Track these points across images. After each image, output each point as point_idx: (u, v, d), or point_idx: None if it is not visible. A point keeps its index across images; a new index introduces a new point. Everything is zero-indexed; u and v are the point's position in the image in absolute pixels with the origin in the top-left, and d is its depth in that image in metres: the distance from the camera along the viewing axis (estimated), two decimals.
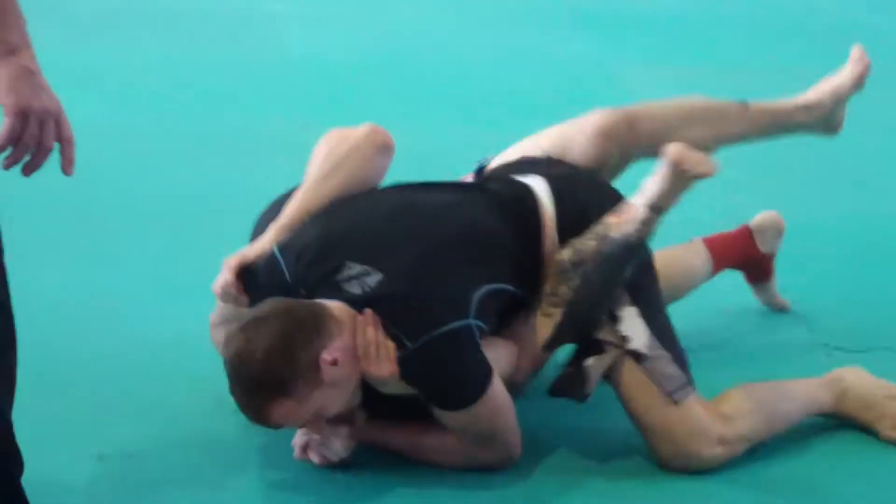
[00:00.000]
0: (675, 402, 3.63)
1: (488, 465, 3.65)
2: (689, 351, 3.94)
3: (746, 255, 4.57)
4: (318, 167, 3.79)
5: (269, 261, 3.61)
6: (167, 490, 3.61)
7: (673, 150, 3.58)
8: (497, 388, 3.53)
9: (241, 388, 3.38)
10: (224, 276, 3.66)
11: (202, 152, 6.01)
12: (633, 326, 3.69)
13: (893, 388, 3.95)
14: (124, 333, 4.38)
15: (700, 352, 4.15)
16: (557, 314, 3.73)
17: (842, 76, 4.20)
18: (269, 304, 3.41)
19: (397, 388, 3.47)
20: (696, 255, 4.41)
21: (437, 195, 3.82)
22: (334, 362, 3.33)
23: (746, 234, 4.50)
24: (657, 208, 3.61)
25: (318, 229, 3.64)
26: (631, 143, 4.00)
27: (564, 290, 3.74)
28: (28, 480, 2.99)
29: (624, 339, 3.67)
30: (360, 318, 3.40)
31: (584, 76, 7.13)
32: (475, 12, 8.39)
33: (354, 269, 3.53)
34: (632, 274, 3.73)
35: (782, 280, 4.62)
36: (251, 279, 3.64)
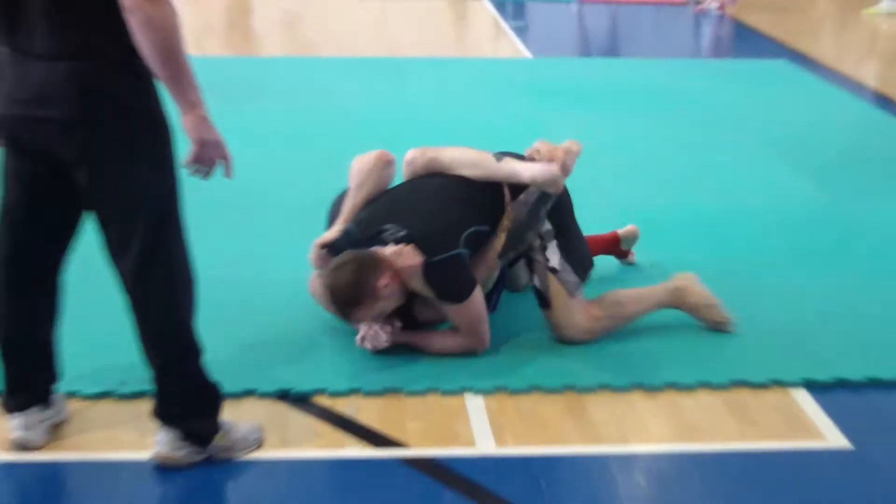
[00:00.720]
0: (573, 296, 4.94)
1: (471, 350, 4.89)
2: (600, 280, 5.28)
3: (611, 251, 5.77)
4: (354, 180, 5.03)
5: (343, 234, 4.88)
6: (286, 364, 4.76)
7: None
8: (478, 295, 4.79)
9: (334, 305, 4.72)
10: (313, 250, 5.02)
11: (301, 172, 7.31)
12: (553, 254, 4.99)
13: (712, 298, 5.17)
14: (260, 278, 5.59)
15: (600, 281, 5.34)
16: (504, 236, 4.92)
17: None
18: (345, 255, 4.71)
19: (420, 287, 4.72)
20: None
21: (433, 180, 5.01)
22: (386, 285, 4.65)
23: (615, 238, 5.74)
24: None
25: (367, 212, 4.93)
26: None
27: (509, 223, 4.93)
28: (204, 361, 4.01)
29: (548, 259, 4.98)
30: (397, 246, 4.66)
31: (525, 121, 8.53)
32: (458, 86, 9.98)
33: (391, 228, 4.78)
34: (557, 218, 4.96)
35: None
36: (331, 250, 4.90)
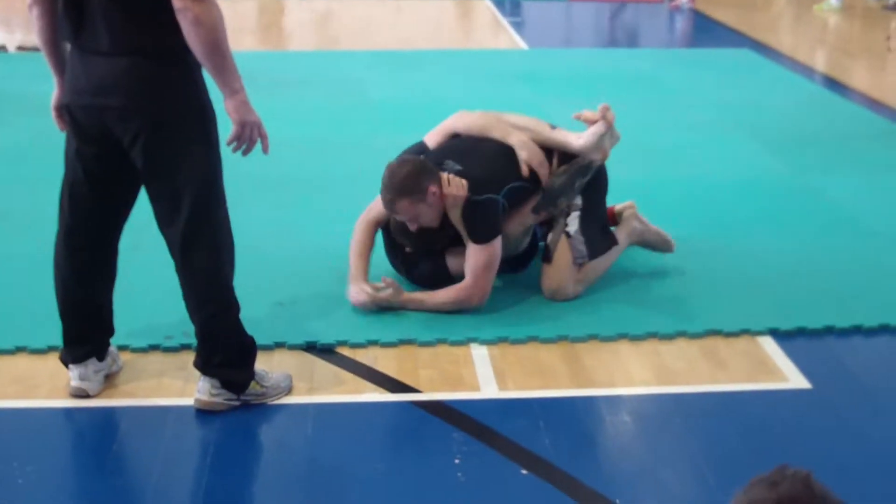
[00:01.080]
0: (574, 262, 4.93)
1: (465, 304, 4.82)
2: None
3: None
4: (354, 249, 5.00)
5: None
6: (313, 320, 4.77)
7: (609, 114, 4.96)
8: (498, 245, 4.77)
9: (387, 188, 4.69)
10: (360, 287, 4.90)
11: (329, 152, 7.36)
12: (573, 223, 4.98)
13: (662, 233, 5.31)
14: (291, 245, 5.59)
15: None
16: (540, 196, 4.96)
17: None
18: (417, 159, 4.81)
19: (457, 219, 4.76)
20: None
21: (491, 141, 5.02)
22: (434, 193, 4.69)
23: (611, 211, 5.42)
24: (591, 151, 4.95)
25: (438, 150, 5.03)
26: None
27: (547, 186, 4.97)
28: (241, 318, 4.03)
29: (567, 224, 4.98)
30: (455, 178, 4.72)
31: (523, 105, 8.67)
32: (464, 74, 9.96)
33: (449, 164, 4.86)
34: (586, 197, 4.99)
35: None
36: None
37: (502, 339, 4.66)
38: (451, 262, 5.00)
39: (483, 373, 4.40)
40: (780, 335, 4.74)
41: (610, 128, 5.01)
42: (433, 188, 4.70)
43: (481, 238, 4.80)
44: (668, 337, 4.72)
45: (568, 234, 5.00)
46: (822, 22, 13.64)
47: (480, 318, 4.82)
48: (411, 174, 4.69)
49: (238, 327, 4.04)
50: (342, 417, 4.09)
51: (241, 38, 11.71)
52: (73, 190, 3.92)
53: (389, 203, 4.75)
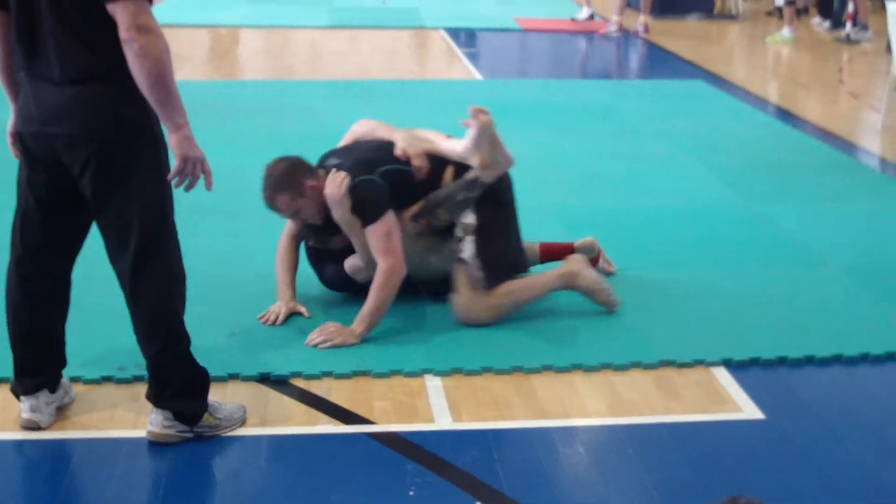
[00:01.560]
0: (474, 288, 4.92)
1: (395, 278, 4.80)
2: None
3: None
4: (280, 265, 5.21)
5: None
6: (266, 351, 4.72)
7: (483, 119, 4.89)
8: (391, 218, 4.82)
9: (265, 186, 4.89)
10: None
11: None
12: (467, 248, 4.97)
13: (602, 282, 5.11)
14: (242, 274, 5.52)
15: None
16: (421, 204, 4.99)
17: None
18: (294, 157, 4.97)
19: (339, 215, 4.83)
20: (528, 248, 5.38)
21: (374, 139, 5.22)
22: (312, 188, 4.84)
23: (570, 248, 5.50)
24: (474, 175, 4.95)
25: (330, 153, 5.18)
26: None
27: (432, 193, 4.99)
28: (193, 348, 4.01)
29: (461, 251, 4.96)
30: (333, 173, 4.83)
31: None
32: (420, 104, 10.07)
33: (330, 160, 5.03)
34: (485, 216, 4.97)
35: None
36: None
37: (456, 370, 4.65)
38: (347, 263, 5.11)
39: (437, 404, 4.39)
40: (733, 365, 4.75)
41: (483, 130, 4.92)
42: (310, 182, 4.87)
43: (371, 217, 4.86)
44: (622, 367, 4.72)
45: (462, 261, 5.00)
46: (774, 53, 13.76)
47: (435, 349, 4.82)
48: (287, 170, 4.89)
49: (189, 360, 4.02)
50: (296, 449, 4.07)
51: (195, 67, 11.69)
52: (25, 218, 3.91)
53: (269, 199, 4.92)
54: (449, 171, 5.06)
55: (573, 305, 5.26)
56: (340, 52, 13.17)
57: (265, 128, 8.85)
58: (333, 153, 5.15)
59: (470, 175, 5.00)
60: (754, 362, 4.79)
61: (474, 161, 4.96)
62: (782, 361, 4.81)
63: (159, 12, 3.71)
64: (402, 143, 5.03)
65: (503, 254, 5.11)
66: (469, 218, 5.00)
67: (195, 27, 14.28)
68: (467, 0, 17.57)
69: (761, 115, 10.02)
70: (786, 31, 14.15)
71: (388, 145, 5.09)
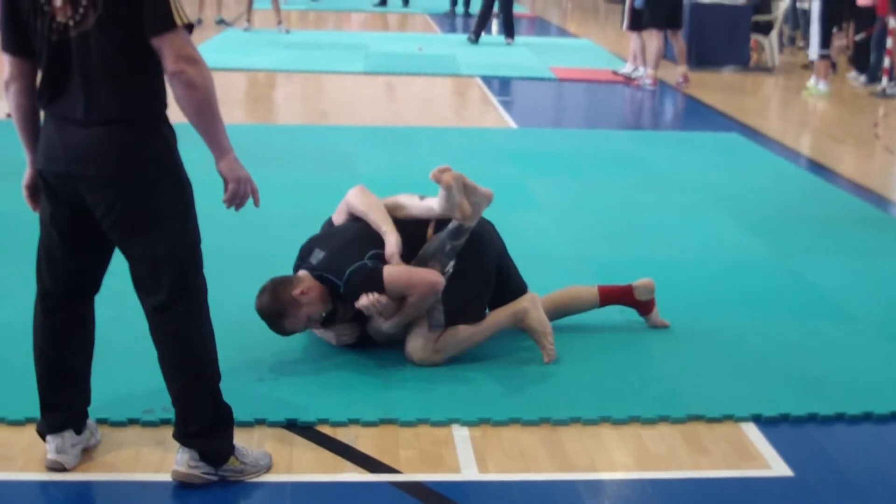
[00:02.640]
0: (430, 330, 4.99)
1: (431, 295, 4.92)
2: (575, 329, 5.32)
3: (627, 301, 5.57)
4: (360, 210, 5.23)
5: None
6: (294, 395, 4.71)
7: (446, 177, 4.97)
8: (392, 268, 4.89)
9: (267, 324, 4.94)
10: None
11: (315, 225, 6.96)
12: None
13: (546, 326, 5.10)
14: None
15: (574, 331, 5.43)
16: (413, 263, 5.01)
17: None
18: (268, 282, 4.96)
19: (381, 308, 4.87)
20: (586, 292, 5.53)
21: (353, 223, 5.21)
22: (303, 293, 4.86)
23: (629, 290, 5.58)
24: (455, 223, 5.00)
25: (315, 236, 5.23)
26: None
27: (423, 249, 5.05)
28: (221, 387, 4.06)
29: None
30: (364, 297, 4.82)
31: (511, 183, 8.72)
32: (454, 151, 9.95)
33: (316, 252, 5.05)
34: (463, 263, 5.05)
35: None
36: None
37: (484, 421, 4.62)
38: (376, 331, 5.17)
39: (464, 454, 4.37)
40: (762, 421, 4.71)
41: (449, 188, 4.97)
42: (296, 292, 4.88)
43: (379, 280, 4.90)
44: (651, 421, 4.69)
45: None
46: (810, 107, 13.74)
47: (463, 398, 4.80)
48: (273, 299, 4.89)
49: (214, 395, 4.03)
50: (320, 497, 4.05)
51: (230, 111, 11.65)
52: (48, 253, 3.96)
53: (282, 331, 4.98)
54: (430, 227, 5.16)
55: (601, 356, 5.25)
56: (375, 98, 13.25)
57: (299, 173, 8.88)
58: (321, 240, 5.17)
59: (453, 224, 5.07)
60: (784, 418, 4.75)
61: (456, 216, 5.02)
62: (812, 418, 4.77)
63: None
64: (393, 247, 5.05)
65: (475, 302, 5.19)
66: (449, 266, 5.09)
67: (232, 71, 14.37)
68: (504, 49, 17.61)
69: (795, 168, 9.99)
70: (821, 85, 14.14)
71: (368, 230, 5.12)
